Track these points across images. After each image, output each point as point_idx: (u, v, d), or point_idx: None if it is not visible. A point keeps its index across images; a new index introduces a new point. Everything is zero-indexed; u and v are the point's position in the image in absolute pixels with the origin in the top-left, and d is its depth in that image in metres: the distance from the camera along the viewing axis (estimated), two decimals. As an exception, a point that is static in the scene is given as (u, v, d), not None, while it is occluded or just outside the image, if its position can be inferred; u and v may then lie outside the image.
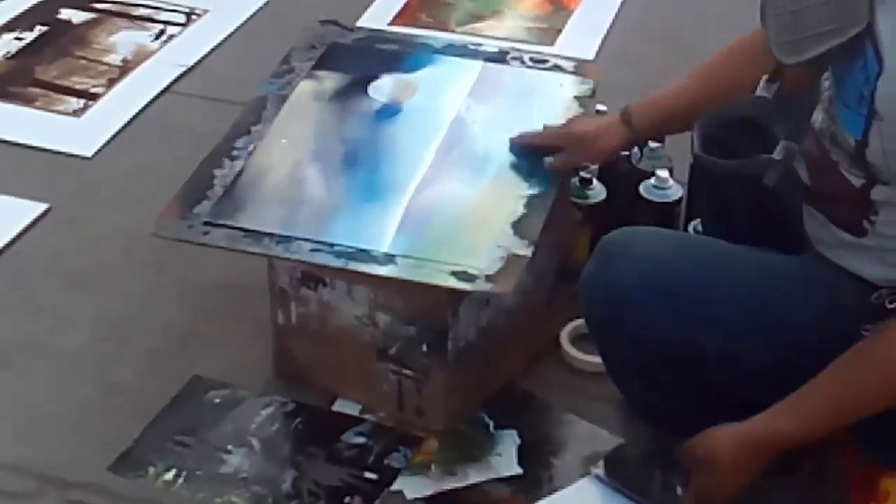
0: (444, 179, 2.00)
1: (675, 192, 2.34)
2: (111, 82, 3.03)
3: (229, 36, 3.26)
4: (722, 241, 1.80)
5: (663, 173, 2.32)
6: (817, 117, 1.69)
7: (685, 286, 1.69)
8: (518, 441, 2.04)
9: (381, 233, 1.89)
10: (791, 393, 1.67)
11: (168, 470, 1.98)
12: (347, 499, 1.93)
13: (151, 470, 1.98)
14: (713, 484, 1.70)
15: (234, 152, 2.07)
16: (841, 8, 1.52)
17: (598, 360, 1.99)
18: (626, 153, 2.37)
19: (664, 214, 2.32)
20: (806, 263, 1.73)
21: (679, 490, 1.78)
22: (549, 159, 1.98)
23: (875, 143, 1.55)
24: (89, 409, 2.12)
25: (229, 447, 2.02)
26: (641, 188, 2.33)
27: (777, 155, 1.67)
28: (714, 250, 1.82)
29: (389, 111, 2.16)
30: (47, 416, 2.11)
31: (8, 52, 3.15)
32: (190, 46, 3.20)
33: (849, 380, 1.61)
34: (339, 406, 2.10)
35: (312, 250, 1.88)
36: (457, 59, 2.30)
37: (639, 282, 1.70)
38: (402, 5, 3.37)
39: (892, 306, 1.61)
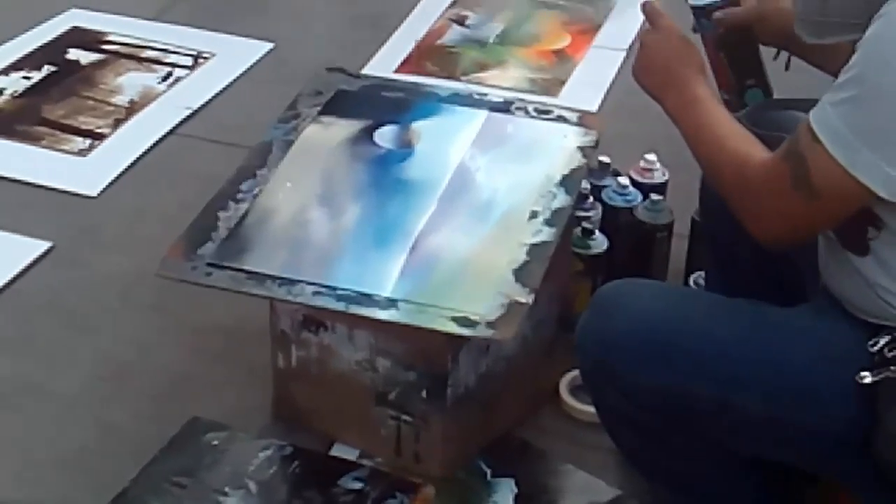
0: (447, 226, 2.01)
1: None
2: (117, 123, 3.06)
3: (235, 80, 3.28)
4: (717, 295, 1.81)
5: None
6: None
7: (678, 338, 1.70)
8: (515, 490, 2.04)
9: (384, 277, 1.90)
10: (785, 442, 1.67)
11: (164, 511, 1.98)
12: (343, 544, 1.93)
13: (148, 510, 1.98)
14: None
15: (239, 195, 2.08)
16: (870, 3, 1.55)
17: (596, 409, 1.99)
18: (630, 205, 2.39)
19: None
20: (802, 314, 1.74)
21: None
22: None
23: None
24: (87, 449, 2.12)
25: (226, 489, 2.02)
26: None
27: None
28: (708, 303, 1.83)
29: (394, 157, 2.17)
30: (44, 457, 2.10)
31: (15, 91, 3.18)
32: (196, 89, 3.22)
33: (715, 135, 1.72)
34: (337, 450, 2.10)
35: (315, 293, 1.88)
36: (462, 108, 2.31)
37: (631, 333, 1.70)
38: (407, 53, 3.40)
39: (890, 354, 1.61)
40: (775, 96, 2.07)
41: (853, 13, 1.59)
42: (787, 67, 2.04)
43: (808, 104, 1.62)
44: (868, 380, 1.60)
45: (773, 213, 1.63)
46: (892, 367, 1.60)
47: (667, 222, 2.40)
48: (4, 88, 3.19)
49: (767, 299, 1.77)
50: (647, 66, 1.84)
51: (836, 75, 1.58)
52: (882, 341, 1.62)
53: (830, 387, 1.63)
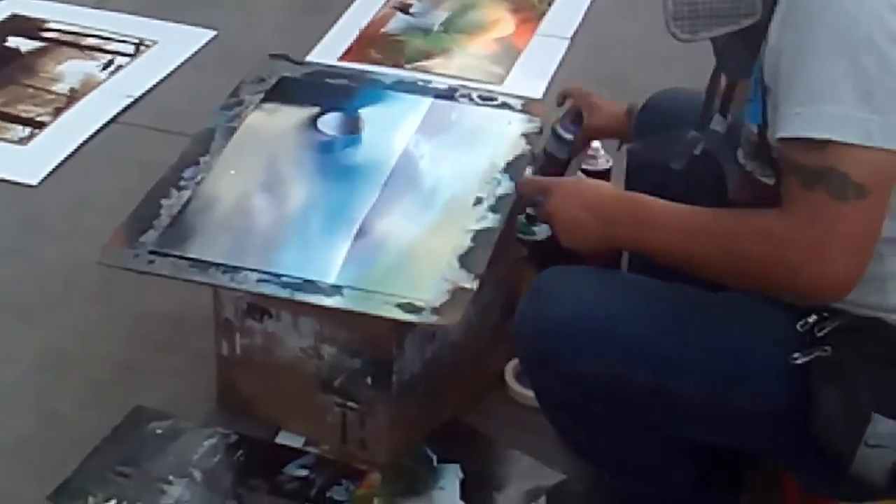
0: (391, 213, 2.01)
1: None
2: (58, 111, 3.02)
3: (178, 68, 3.26)
4: (652, 280, 1.82)
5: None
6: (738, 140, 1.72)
7: (613, 323, 1.70)
8: (461, 475, 2.04)
9: (329, 264, 1.90)
10: (723, 425, 1.69)
11: (108, 500, 1.96)
12: (289, 531, 1.93)
13: (91, 500, 1.97)
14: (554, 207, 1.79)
15: (182, 182, 2.06)
16: None
17: (540, 395, 2.00)
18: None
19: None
20: (733, 297, 1.75)
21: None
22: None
23: (770, 119, 1.58)
24: (28, 439, 2.10)
25: (171, 478, 2.01)
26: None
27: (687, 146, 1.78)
28: (643, 287, 1.83)
29: (339, 144, 2.17)
30: (-14, 445, 2.08)
31: (-46, 80, 3.14)
32: (138, 77, 3.19)
33: (689, 234, 1.63)
34: (283, 438, 2.10)
35: (259, 281, 1.88)
36: (406, 95, 2.31)
37: (567, 318, 1.71)
38: (351, 42, 3.39)
39: (820, 334, 1.62)
40: None
41: (722, 5, 1.60)
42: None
43: (684, 114, 1.65)
44: (800, 360, 1.61)
45: (833, 248, 1.52)
46: (822, 347, 1.61)
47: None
48: (-57, 76, 3.15)
49: (694, 282, 1.78)
50: (571, 231, 1.77)
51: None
52: (811, 320, 1.64)
53: (764, 368, 1.65)
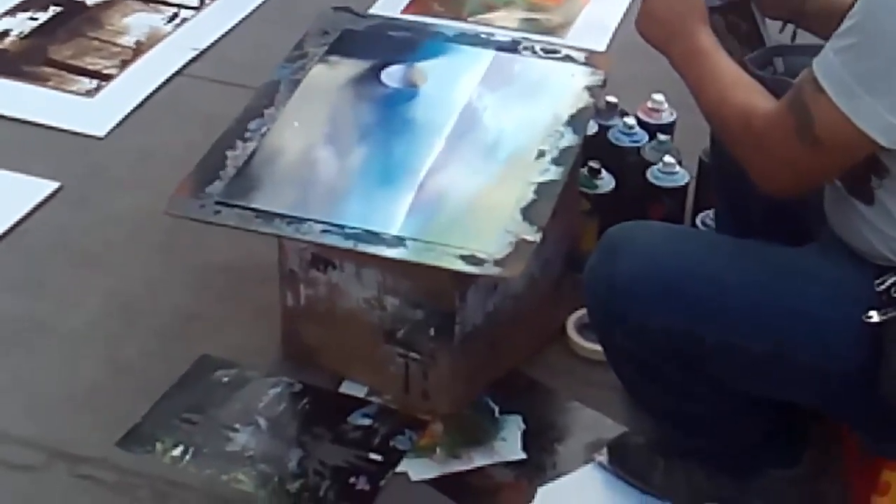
0: (454, 165, 2.01)
1: (683, 177, 2.36)
2: (124, 64, 3.05)
3: (242, 20, 3.27)
4: (723, 235, 1.82)
5: (670, 159, 2.34)
6: None
7: (685, 280, 1.70)
8: (522, 426, 2.06)
9: (392, 216, 1.91)
10: (791, 382, 1.68)
11: (176, 446, 2.00)
12: (352, 479, 1.95)
13: (159, 446, 2.00)
14: None
15: (247, 134, 2.08)
16: None
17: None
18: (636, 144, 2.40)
19: (672, 199, 2.35)
20: (809, 254, 1.74)
21: None
22: None
23: None
24: (97, 387, 2.14)
25: (236, 425, 2.04)
26: (649, 174, 2.35)
27: None
28: (715, 244, 1.84)
29: (401, 97, 2.17)
30: (56, 394, 2.13)
31: (21, 32, 3.17)
32: (203, 30, 3.21)
33: (720, 83, 1.70)
34: (346, 388, 2.12)
35: (323, 231, 1.89)
36: (468, 48, 2.30)
37: (639, 275, 1.71)
38: (415, -6, 3.38)
39: None
40: None
41: None
42: (792, 39, 2.03)
43: (814, 50, 1.61)
44: (875, 319, 1.61)
45: (778, 163, 1.63)
46: None
47: (673, 163, 2.39)
48: (10, 29, 3.18)
49: (778, 238, 1.77)
50: (650, 19, 1.83)
51: None
52: (889, 281, 1.63)
53: (837, 326, 1.64)
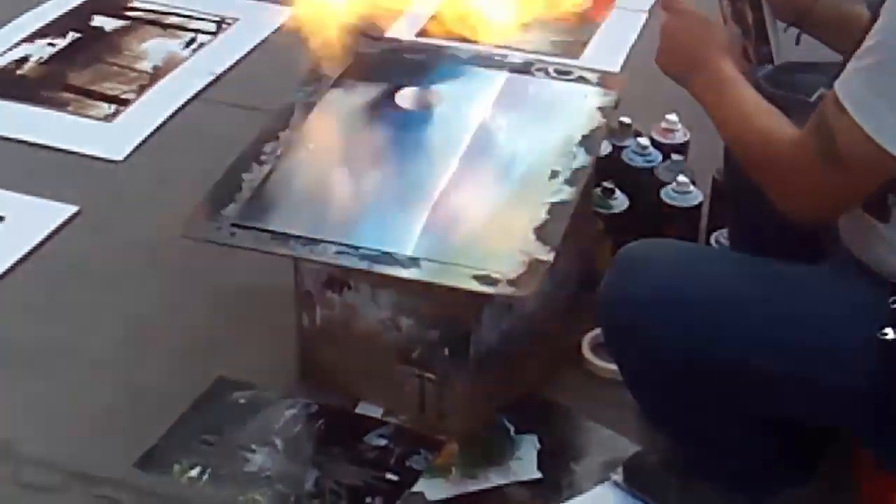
0: (468, 185, 2.03)
1: (696, 196, 2.37)
2: (142, 89, 3.08)
3: (258, 45, 3.29)
4: (737, 254, 1.82)
5: (684, 178, 2.35)
6: None
7: (700, 298, 1.71)
8: (538, 446, 2.06)
9: (406, 236, 1.92)
10: (806, 400, 1.68)
11: (193, 467, 2.01)
12: (368, 499, 1.96)
13: (176, 467, 2.01)
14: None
15: (263, 157, 2.10)
16: None
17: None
18: (650, 164, 2.41)
19: (686, 218, 2.35)
20: (823, 271, 1.75)
21: None
22: None
23: None
24: (115, 408, 2.15)
25: (253, 446, 2.05)
26: (662, 193, 2.36)
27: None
28: (729, 262, 1.84)
29: (416, 119, 2.19)
30: (73, 416, 2.14)
31: (41, 58, 3.20)
32: (220, 55, 3.24)
33: (743, 113, 1.70)
34: (362, 409, 2.13)
35: (338, 252, 1.91)
36: (482, 69, 2.32)
37: (654, 294, 1.72)
38: (429, 17, 3.39)
39: None
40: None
41: None
42: (797, 42, 2.04)
43: (830, 67, 1.62)
44: (890, 336, 1.61)
45: (801, 189, 1.62)
46: None
47: (687, 182, 2.40)
48: (30, 55, 3.22)
49: (791, 256, 1.78)
50: (670, 53, 1.83)
51: (844, 53, 1.58)
52: (904, 296, 1.63)
53: (852, 343, 1.64)
